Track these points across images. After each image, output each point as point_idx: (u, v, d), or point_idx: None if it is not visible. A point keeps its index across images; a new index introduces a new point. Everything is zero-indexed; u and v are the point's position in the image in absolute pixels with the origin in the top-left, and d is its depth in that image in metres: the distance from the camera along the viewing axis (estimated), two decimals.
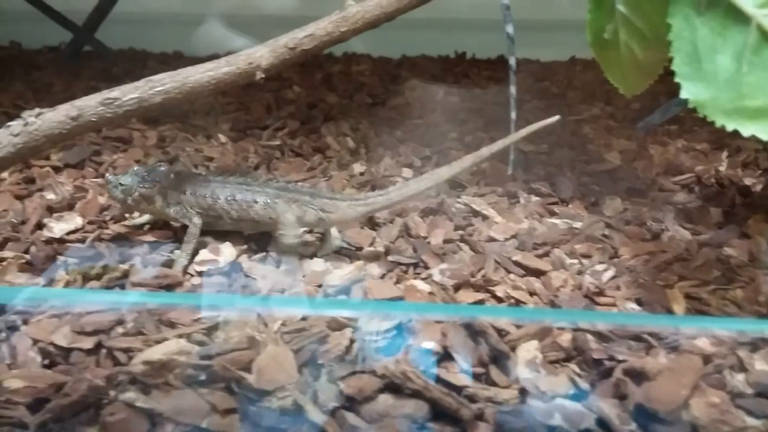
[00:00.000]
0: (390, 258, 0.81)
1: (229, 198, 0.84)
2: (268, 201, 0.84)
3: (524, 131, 0.81)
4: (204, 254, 0.80)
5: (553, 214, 0.98)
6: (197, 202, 0.85)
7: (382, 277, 0.79)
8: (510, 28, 0.97)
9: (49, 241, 0.85)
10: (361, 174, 1.18)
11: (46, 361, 0.64)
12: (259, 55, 0.75)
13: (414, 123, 1.53)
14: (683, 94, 0.58)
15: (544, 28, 2.25)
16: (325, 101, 1.68)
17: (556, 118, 0.80)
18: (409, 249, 0.85)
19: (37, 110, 0.67)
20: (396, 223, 0.91)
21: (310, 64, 2.19)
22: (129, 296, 0.75)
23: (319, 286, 0.75)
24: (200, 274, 0.77)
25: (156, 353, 0.62)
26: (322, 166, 1.21)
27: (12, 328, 0.66)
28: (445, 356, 0.62)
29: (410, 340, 0.63)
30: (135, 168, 0.89)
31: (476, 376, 0.61)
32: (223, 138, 1.34)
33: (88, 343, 0.64)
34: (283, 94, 1.74)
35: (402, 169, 1.19)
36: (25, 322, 0.68)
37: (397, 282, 0.77)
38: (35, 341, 0.65)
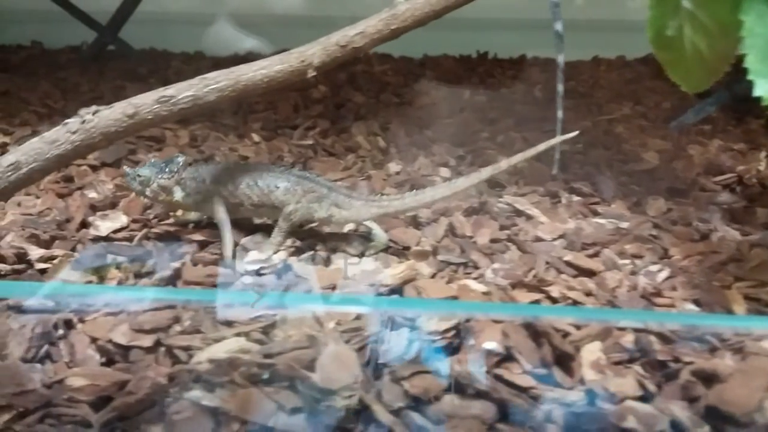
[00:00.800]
0: (440, 257, 0.81)
1: (250, 183, 0.84)
2: (289, 186, 0.84)
3: (542, 146, 0.81)
4: (254, 255, 0.80)
5: (596, 213, 0.97)
6: (217, 190, 0.85)
7: (433, 276, 0.78)
8: (559, 26, 0.96)
9: (96, 239, 0.85)
10: (397, 173, 1.18)
11: (104, 359, 0.64)
12: (311, 53, 0.75)
13: (444, 122, 1.52)
14: (757, 92, 0.57)
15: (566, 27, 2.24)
16: (352, 101, 1.68)
17: (576, 133, 0.82)
18: (457, 249, 0.84)
19: (93, 108, 0.67)
20: (441, 222, 0.90)
21: (341, 66, 2.19)
22: (149, 292, 0.74)
23: (372, 285, 0.75)
24: (251, 273, 0.77)
25: (218, 351, 0.62)
26: (358, 165, 1.21)
27: (69, 326, 0.66)
28: (506, 357, 0.62)
29: (471, 340, 0.63)
30: (152, 159, 0.90)
31: (539, 378, 0.60)
32: (256, 137, 1.34)
33: (147, 341, 0.64)
34: (310, 93, 1.74)
35: (438, 168, 1.18)
36: (81, 320, 0.68)
37: (449, 282, 0.76)
38: (93, 339, 0.65)
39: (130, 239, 0.85)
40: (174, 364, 0.62)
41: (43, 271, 0.76)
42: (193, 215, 0.92)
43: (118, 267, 0.76)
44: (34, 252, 0.79)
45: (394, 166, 1.20)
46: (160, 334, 0.65)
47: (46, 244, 0.83)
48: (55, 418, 0.58)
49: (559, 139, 0.83)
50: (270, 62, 0.74)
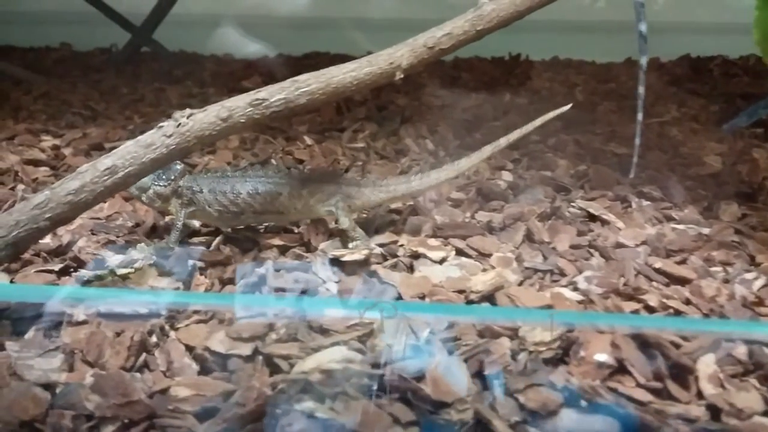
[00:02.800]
0: (526, 264, 0.79)
1: (251, 191, 0.83)
2: (292, 192, 0.83)
3: (538, 120, 0.88)
4: (338, 262, 0.78)
5: (670, 219, 0.95)
6: (216, 200, 0.83)
7: (520, 284, 0.76)
8: (643, 27, 0.94)
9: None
10: (456, 177, 1.16)
11: (202, 368, 0.62)
12: (399, 54, 0.73)
13: (490, 125, 1.50)
14: None
15: (590, 29, 2.23)
16: (394, 103, 1.66)
17: (568, 106, 0.87)
18: (539, 255, 0.82)
19: (188, 111, 0.66)
20: (518, 228, 0.88)
21: None
22: (166, 296, 0.72)
23: (461, 291, 0.73)
24: (337, 281, 0.75)
25: (322, 361, 0.60)
26: (415, 169, 1.19)
27: (162, 334, 0.65)
28: (618, 369, 0.60)
29: (579, 351, 0.61)
30: None
31: (654, 391, 0.58)
32: (308, 140, 1.32)
33: (246, 349, 0.62)
34: (351, 96, 1.72)
35: (498, 171, 1.16)
36: (173, 328, 0.66)
37: (540, 289, 0.74)
38: (189, 347, 0.64)
39: (207, 244, 0.83)
40: (273, 373, 0.61)
41: (125, 277, 0.75)
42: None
43: (202, 273, 0.75)
44: (113, 258, 0.78)
45: (464, 160, 1.18)
46: (258, 343, 0.63)
47: (120, 248, 0.82)
48: (160, 429, 0.56)
49: (552, 114, 0.88)
50: (359, 64, 0.72)
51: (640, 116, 1.02)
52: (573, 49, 2.22)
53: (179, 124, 0.64)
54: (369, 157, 1.28)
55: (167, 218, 0.92)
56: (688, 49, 2.16)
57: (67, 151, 1.21)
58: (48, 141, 1.29)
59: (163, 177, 0.85)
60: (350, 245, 0.81)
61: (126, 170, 0.63)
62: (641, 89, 0.99)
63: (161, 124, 0.65)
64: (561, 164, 1.20)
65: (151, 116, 1.52)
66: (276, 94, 0.68)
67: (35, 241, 0.65)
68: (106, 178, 0.62)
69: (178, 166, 0.87)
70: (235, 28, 2.14)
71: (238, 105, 0.67)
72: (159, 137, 0.64)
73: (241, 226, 0.88)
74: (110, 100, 1.67)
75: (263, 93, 0.68)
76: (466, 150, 1.37)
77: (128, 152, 0.63)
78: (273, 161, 1.20)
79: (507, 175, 1.14)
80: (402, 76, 0.74)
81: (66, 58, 2.25)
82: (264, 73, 2.02)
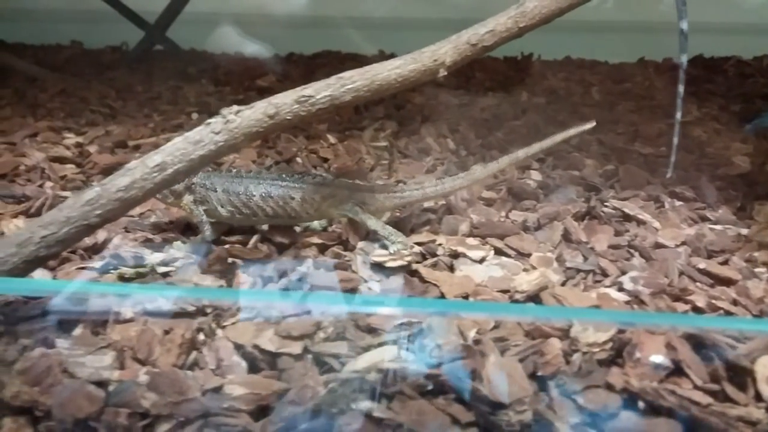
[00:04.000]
0: (567, 264, 0.78)
1: (264, 194, 0.83)
2: (305, 197, 0.83)
3: (559, 136, 0.90)
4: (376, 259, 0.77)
5: (705, 219, 0.95)
6: (229, 200, 0.83)
7: (563, 284, 0.75)
8: (685, 25, 0.93)
9: (205, 243, 0.83)
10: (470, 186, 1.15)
11: (251, 366, 0.62)
12: (443, 51, 0.73)
13: (511, 125, 1.50)
14: None
15: (600, 29, 2.22)
16: (411, 102, 1.65)
17: (592, 123, 0.89)
18: (579, 255, 0.82)
19: (235, 107, 0.65)
20: (555, 227, 0.88)
21: None
22: (173, 290, 0.71)
23: (505, 291, 0.72)
24: (379, 280, 0.75)
25: (374, 360, 0.60)
26: (442, 168, 1.19)
27: (210, 332, 0.64)
28: (675, 371, 0.59)
29: (635, 352, 0.60)
30: None
31: (712, 393, 0.58)
32: (331, 138, 1.31)
33: (296, 347, 0.62)
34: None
35: (527, 171, 1.16)
36: (219, 325, 0.66)
37: (585, 289, 0.73)
38: (237, 345, 0.63)
39: (243, 243, 0.83)
40: (325, 372, 0.60)
41: (165, 275, 0.74)
42: (320, 223, 0.90)
43: (244, 271, 0.74)
44: (153, 256, 0.77)
45: (480, 169, 1.18)
46: (307, 341, 0.63)
47: (156, 246, 0.81)
48: (215, 427, 0.56)
49: (575, 131, 0.90)
50: (403, 61, 0.72)
51: (678, 115, 1.01)
52: (584, 50, 2.22)
53: (227, 120, 0.64)
54: (393, 156, 1.27)
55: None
56: (701, 50, 2.17)
57: (92, 149, 1.20)
58: (71, 138, 1.28)
59: None
60: (391, 248, 0.81)
61: (175, 167, 0.62)
62: (681, 88, 0.98)
63: (208, 120, 0.64)
64: (588, 164, 1.19)
65: (170, 114, 1.51)
66: (322, 90, 0.68)
67: (83, 237, 0.64)
68: (155, 174, 0.61)
69: None
70: (244, 27, 2.14)
71: (285, 102, 0.66)
72: (207, 134, 0.63)
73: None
74: (127, 98, 1.66)
75: (309, 90, 0.67)
76: (488, 150, 1.37)
77: (177, 149, 0.63)
78: (298, 159, 1.19)
79: (536, 175, 1.13)
80: (445, 73, 0.74)
81: (77, 56, 2.24)
82: (277, 71, 2.02)
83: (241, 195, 0.83)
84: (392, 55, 0.78)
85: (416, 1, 2.30)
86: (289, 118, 0.66)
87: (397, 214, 0.94)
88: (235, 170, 0.87)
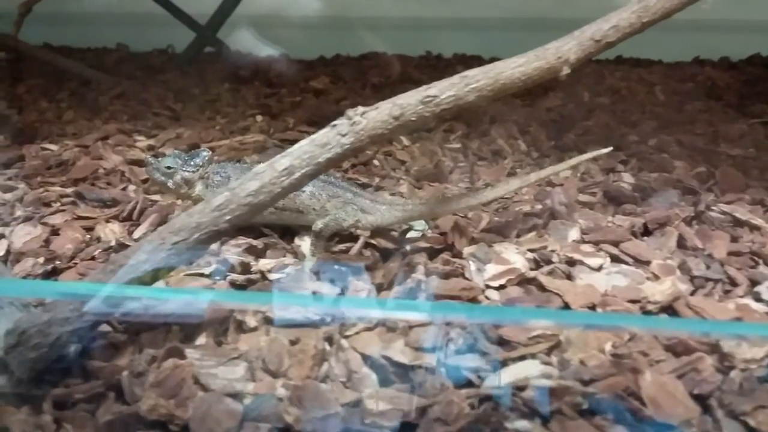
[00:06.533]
0: (694, 273, 0.74)
1: None
2: (314, 191, 0.82)
3: (574, 161, 0.85)
4: (494, 268, 0.74)
5: None
6: None
7: (692, 293, 0.71)
8: None
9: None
10: (567, 178, 1.11)
11: (382, 379, 0.59)
12: (567, 48, 0.69)
13: (582, 125, 1.45)
14: None
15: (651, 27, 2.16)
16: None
17: (609, 149, 0.82)
18: (700, 263, 0.77)
19: (360, 109, 0.62)
20: (668, 233, 0.83)
21: (425, 66, 2.15)
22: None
23: (635, 301, 0.68)
24: (497, 288, 0.71)
25: (517, 375, 0.56)
26: (525, 170, 1.15)
27: (336, 342, 0.61)
28: None
29: None
30: (176, 151, 0.89)
31: None
32: (405, 140, 1.29)
33: (430, 360, 0.59)
34: None
35: (618, 174, 1.11)
36: (343, 336, 0.63)
37: (719, 300, 0.69)
38: (364, 356, 0.60)
39: (346, 251, 0.80)
40: (463, 387, 0.57)
41: (279, 281, 0.72)
42: (421, 225, 0.88)
43: (359, 278, 0.71)
44: (261, 262, 0.75)
45: (562, 172, 1.14)
46: (439, 354, 0.60)
47: (260, 253, 0.79)
48: None
49: (590, 155, 0.84)
50: (527, 59, 0.68)
51: None
52: (634, 49, 2.17)
53: (353, 122, 0.61)
54: (468, 158, 1.24)
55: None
56: (757, 48, 2.10)
57: (167, 152, 1.18)
58: (142, 141, 1.28)
59: (191, 163, 0.85)
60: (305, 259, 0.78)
61: (302, 170, 0.60)
62: None
63: (334, 122, 0.62)
64: (678, 166, 1.14)
65: (233, 116, 1.50)
66: (446, 90, 0.65)
67: (212, 243, 0.62)
68: (283, 178, 0.59)
69: (205, 153, 0.87)
70: (287, 29, 2.13)
71: (410, 102, 0.63)
72: (334, 136, 0.61)
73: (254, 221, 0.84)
74: (185, 101, 1.66)
75: (433, 90, 0.64)
76: (563, 151, 1.33)
77: (304, 152, 0.60)
78: (375, 162, 1.17)
79: (628, 177, 1.09)
80: (569, 71, 0.70)
81: (125, 58, 2.24)
82: (328, 72, 2.00)
83: None
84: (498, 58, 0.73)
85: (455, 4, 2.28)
86: (413, 119, 0.64)
87: (498, 218, 0.90)
88: (249, 161, 0.86)
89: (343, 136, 0.61)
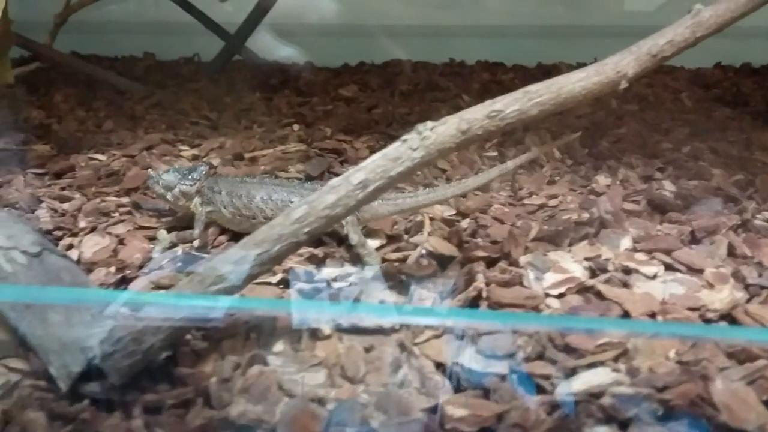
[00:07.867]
0: (749, 281, 0.75)
1: (264, 197, 0.87)
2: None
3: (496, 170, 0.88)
4: (552, 277, 0.76)
5: None
6: (231, 202, 0.88)
7: (748, 300, 0.73)
8: None
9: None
10: (608, 186, 1.13)
11: (455, 386, 0.61)
12: (625, 63, 0.71)
13: (614, 133, 1.47)
14: None
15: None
16: None
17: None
18: (752, 270, 0.79)
19: (429, 123, 0.65)
20: (718, 241, 0.85)
21: (449, 73, 2.17)
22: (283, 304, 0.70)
23: (694, 309, 0.70)
24: (557, 296, 0.73)
25: (590, 383, 0.58)
26: (565, 178, 1.17)
27: (408, 350, 0.63)
28: None
29: None
30: (177, 166, 0.95)
31: None
32: None
33: (501, 367, 0.61)
34: (456, 103, 1.71)
35: (650, 182, 1.13)
36: (414, 343, 0.65)
37: None
38: (437, 364, 0.62)
39: (403, 260, 0.82)
40: (537, 394, 0.59)
41: (339, 291, 0.74)
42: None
43: (423, 287, 0.74)
44: (324, 271, 0.77)
45: (603, 179, 1.16)
46: (510, 361, 0.62)
47: (321, 261, 0.81)
48: None
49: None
50: (587, 74, 0.70)
51: None
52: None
53: (423, 137, 0.63)
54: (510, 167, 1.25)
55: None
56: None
57: (214, 161, 1.21)
58: (186, 151, 1.31)
59: (189, 177, 0.90)
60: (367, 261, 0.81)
61: (376, 184, 0.62)
62: None
63: (405, 137, 0.64)
64: (716, 173, 1.16)
65: (269, 126, 1.52)
66: (510, 105, 0.67)
67: (290, 254, 0.65)
68: (358, 192, 0.61)
69: (203, 167, 0.92)
70: (315, 36, 2.16)
71: (476, 117, 0.66)
72: (405, 150, 0.63)
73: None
74: (220, 110, 1.69)
75: (499, 104, 0.67)
76: (598, 159, 1.34)
77: (377, 166, 0.62)
78: (418, 172, 1.19)
79: (668, 185, 1.10)
80: (626, 85, 0.72)
81: (153, 67, 2.28)
82: (355, 80, 2.03)
83: (243, 197, 0.87)
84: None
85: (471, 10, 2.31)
86: (479, 133, 0.66)
87: (547, 227, 0.92)
88: (241, 176, 0.94)
89: (414, 150, 0.63)
